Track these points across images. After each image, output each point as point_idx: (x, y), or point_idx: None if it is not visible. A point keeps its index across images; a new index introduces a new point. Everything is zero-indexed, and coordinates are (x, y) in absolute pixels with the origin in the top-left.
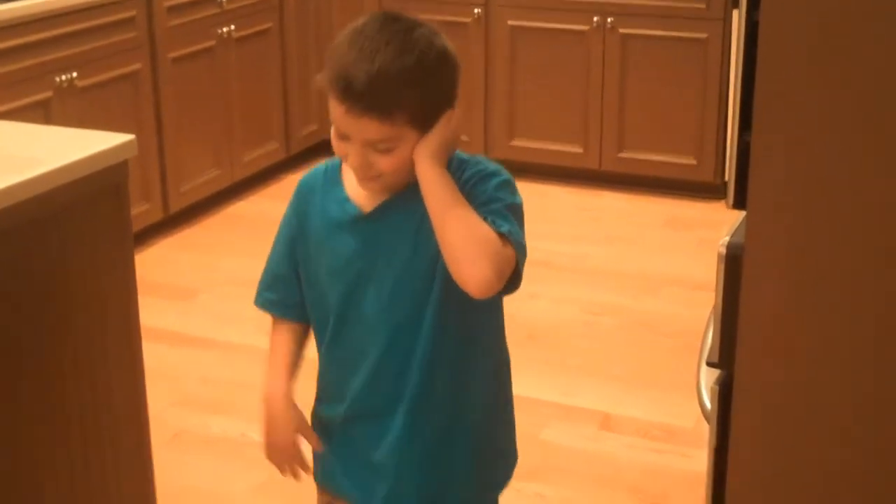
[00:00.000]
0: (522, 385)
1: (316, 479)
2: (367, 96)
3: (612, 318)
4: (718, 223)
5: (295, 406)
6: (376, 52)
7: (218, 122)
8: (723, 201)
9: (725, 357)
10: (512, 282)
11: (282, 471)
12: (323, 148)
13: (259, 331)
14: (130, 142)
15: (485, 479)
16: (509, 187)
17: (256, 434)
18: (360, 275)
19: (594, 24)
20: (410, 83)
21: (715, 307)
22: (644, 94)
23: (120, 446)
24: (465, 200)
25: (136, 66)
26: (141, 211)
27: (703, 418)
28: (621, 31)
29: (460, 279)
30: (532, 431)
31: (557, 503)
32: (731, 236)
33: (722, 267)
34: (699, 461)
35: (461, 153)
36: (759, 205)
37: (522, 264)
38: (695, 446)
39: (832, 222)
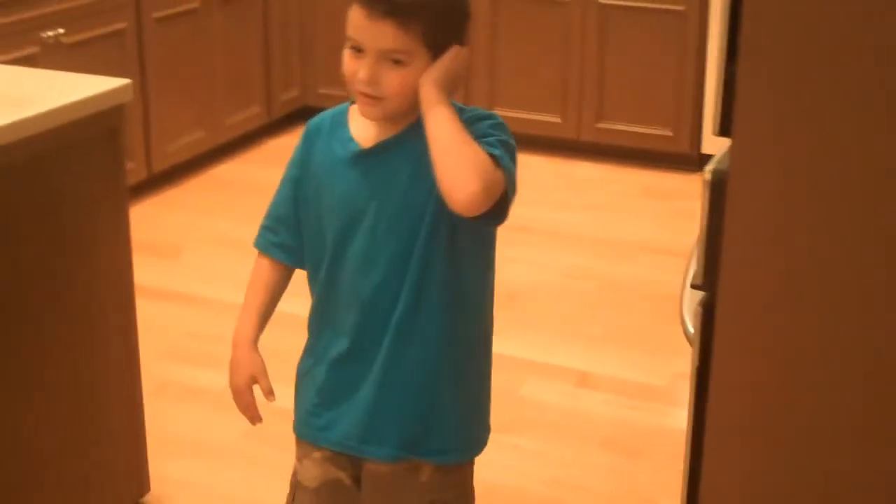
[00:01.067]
0: (502, 344)
1: (295, 431)
2: (390, 1)
3: (589, 281)
4: (694, 194)
5: (256, 351)
6: None
7: (201, 84)
8: (698, 172)
9: (709, 280)
10: (499, 209)
11: (241, 411)
12: (304, 113)
13: (242, 287)
14: (127, 86)
15: (463, 434)
16: (504, 129)
17: None
18: (355, 210)
19: None
20: (432, 2)
21: (700, 233)
22: (623, 66)
23: (112, 394)
24: (461, 123)
25: (121, 25)
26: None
27: (676, 377)
28: (601, 1)
29: (450, 192)
30: (511, 387)
31: (533, 454)
32: (716, 164)
33: (706, 192)
34: (672, 417)
35: (457, 103)
36: (743, 131)
37: (511, 195)
38: (668, 403)
39: (815, 148)
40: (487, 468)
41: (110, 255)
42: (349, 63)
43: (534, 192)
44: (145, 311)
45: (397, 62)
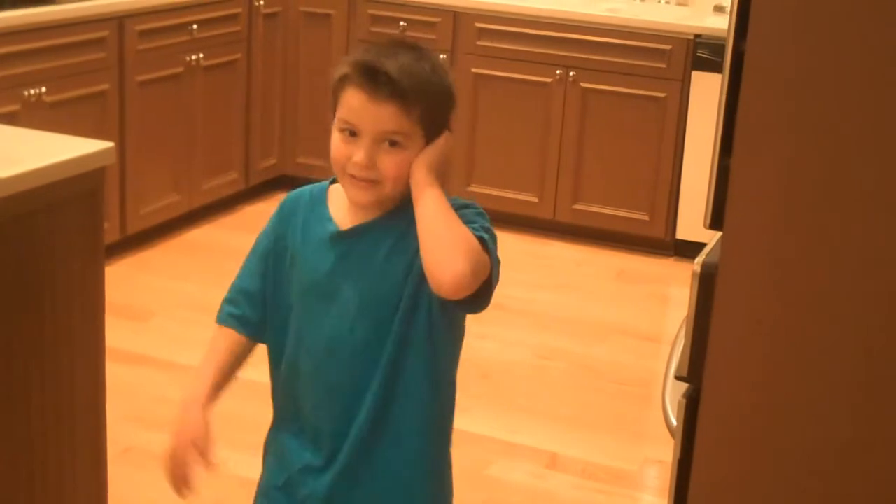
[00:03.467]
0: (471, 422)
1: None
2: (395, 81)
3: (560, 362)
4: (668, 278)
5: (204, 415)
6: (397, 54)
7: (180, 148)
8: (672, 258)
9: (694, 371)
10: (483, 294)
11: (168, 478)
12: (282, 182)
13: None
14: (109, 149)
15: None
16: (486, 218)
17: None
18: (328, 291)
19: (556, 77)
20: (428, 83)
21: (686, 324)
22: (601, 149)
23: (77, 457)
24: (450, 206)
25: (103, 87)
26: None
27: (646, 462)
28: (583, 85)
29: (438, 272)
30: (478, 467)
31: None
32: (706, 256)
33: (695, 284)
34: (642, 503)
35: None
36: (735, 225)
37: (495, 281)
38: (638, 489)
39: (805, 244)
40: None
41: (84, 315)
42: (342, 147)
43: (508, 270)
44: (113, 374)
45: (394, 144)
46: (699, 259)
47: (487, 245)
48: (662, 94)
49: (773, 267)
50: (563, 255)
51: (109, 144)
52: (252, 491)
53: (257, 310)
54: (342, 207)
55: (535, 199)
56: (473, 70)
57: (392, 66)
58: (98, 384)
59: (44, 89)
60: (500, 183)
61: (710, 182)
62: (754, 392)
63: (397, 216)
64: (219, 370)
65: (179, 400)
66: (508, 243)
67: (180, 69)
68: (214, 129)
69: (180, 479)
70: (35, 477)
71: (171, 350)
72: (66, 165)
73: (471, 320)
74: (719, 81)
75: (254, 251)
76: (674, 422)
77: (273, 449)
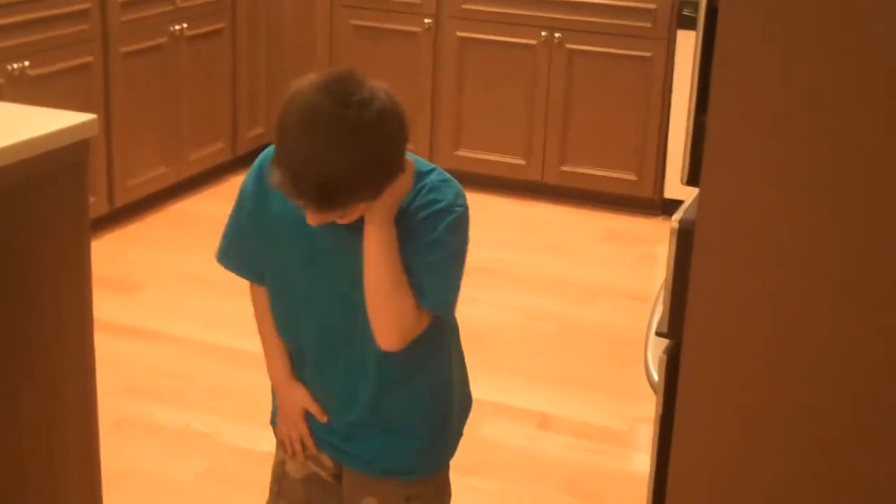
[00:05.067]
0: None
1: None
2: (320, 201)
3: (550, 323)
4: (656, 238)
5: (297, 385)
6: (326, 155)
7: (166, 119)
8: (661, 217)
9: (674, 327)
10: (438, 321)
11: (286, 445)
12: None
13: (202, 324)
14: (92, 121)
15: (436, 453)
16: (459, 226)
17: (201, 425)
18: (314, 264)
19: (542, 39)
20: (363, 183)
21: (666, 280)
22: (588, 110)
23: (69, 429)
24: (399, 266)
25: (87, 59)
26: None
27: (637, 421)
28: (568, 46)
29: (373, 332)
30: (471, 428)
31: (492, 496)
32: (684, 212)
33: (674, 241)
34: (633, 462)
35: (419, 163)
36: (711, 181)
37: (450, 312)
38: (629, 447)
39: (783, 199)
40: None
41: (71, 289)
42: (308, 216)
43: (497, 233)
44: (104, 346)
45: (340, 216)
46: (677, 216)
47: (432, 308)
48: (648, 54)
49: (750, 222)
50: (551, 217)
51: (92, 116)
52: (245, 459)
53: (253, 260)
54: None
55: (523, 162)
56: (458, 34)
57: (316, 184)
58: (87, 357)
59: (27, 63)
60: (487, 146)
61: (686, 139)
62: (734, 346)
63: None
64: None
65: (270, 379)
66: (497, 206)
67: (164, 40)
68: (200, 99)
69: (303, 442)
70: (25, 450)
71: (161, 321)
72: (50, 138)
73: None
74: None
75: (237, 207)
76: (655, 377)
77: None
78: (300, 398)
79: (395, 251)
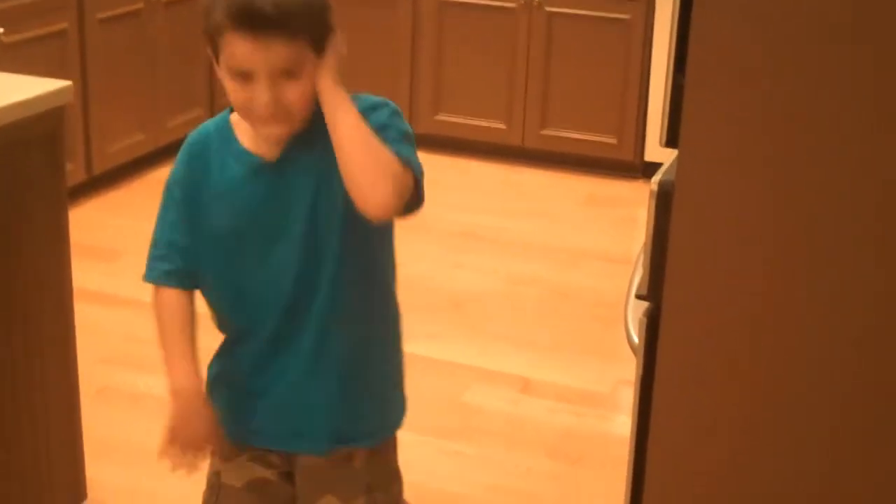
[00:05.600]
0: (446, 350)
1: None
2: (275, 18)
3: (533, 288)
4: (637, 201)
5: (208, 407)
6: None
7: (143, 86)
8: (642, 180)
9: (654, 290)
10: (414, 203)
11: (178, 464)
12: None
13: None
14: (67, 87)
15: (388, 411)
16: (399, 115)
17: None
18: (264, 221)
19: (521, 2)
20: (308, 7)
21: (645, 243)
22: (568, 73)
23: (49, 399)
24: (366, 124)
25: (62, 25)
26: None
27: (619, 384)
28: (548, 9)
29: (361, 201)
30: (454, 394)
31: (476, 461)
32: (663, 174)
33: (653, 203)
34: (616, 424)
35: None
36: (690, 142)
37: (422, 186)
38: (612, 410)
39: (762, 160)
40: (429, 475)
41: (49, 258)
42: (239, 92)
43: (478, 198)
44: (84, 315)
45: (292, 75)
46: (656, 178)
47: (409, 160)
48: (628, 16)
49: (729, 183)
50: (532, 182)
51: (68, 83)
52: None
53: (189, 260)
54: (253, 136)
55: (504, 127)
56: None
57: (270, 2)
58: (67, 326)
59: (2, 30)
60: (467, 111)
61: (664, 100)
62: (712, 308)
63: (315, 131)
64: (188, 341)
65: (171, 387)
66: (478, 171)
67: (140, 5)
68: (177, 65)
69: (188, 465)
70: (7, 421)
71: (142, 289)
72: (24, 106)
73: (443, 249)
74: None
75: (167, 202)
76: (636, 340)
77: (227, 378)
78: (208, 426)
79: (357, 112)
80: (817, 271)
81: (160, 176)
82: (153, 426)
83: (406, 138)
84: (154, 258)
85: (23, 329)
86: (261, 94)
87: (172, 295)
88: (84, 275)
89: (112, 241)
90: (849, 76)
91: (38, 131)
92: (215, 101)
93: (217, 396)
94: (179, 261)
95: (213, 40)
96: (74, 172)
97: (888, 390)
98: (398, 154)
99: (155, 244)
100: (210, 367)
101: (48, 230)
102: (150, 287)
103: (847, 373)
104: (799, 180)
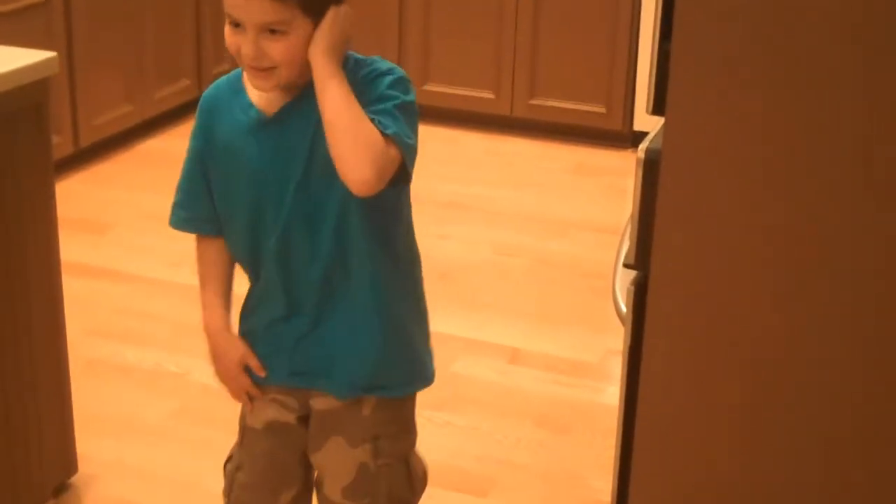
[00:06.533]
0: (434, 322)
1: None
2: None
3: (521, 258)
4: (626, 171)
5: (234, 337)
6: None
7: (130, 57)
8: (630, 149)
9: (641, 259)
10: (400, 179)
11: (233, 396)
12: None
13: (172, 264)
14: (52, 59)
15: (407, 369)
16: (402, 85)
17: (172, 365)
18: (266, 176)
19: None
20: None
21: (632, 212)
22: (556, 42)
23: (38, 373)
24: (354, 99)
25: None
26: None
27: (608, 353)
28: None
29: (343, 177)
30: (442, 364)
31: (466, 431)
32: (650, 142)
33: (639, 171)
34: (604, 394)
35: (357, 54)
36: (676, 110)
37: (411, 163)
38: (600, 380)
39: (748, 128)
40: (419, 445)
41: (36, 231)
42: (230, 38)
43: (466, 168)
44: (72, 288)
45: (276, 32)
46: (643, 146)
47: (396, 137)
48: None
49: (716, 150)
50: (520, 151)
51: (53, 54)
52: (216, 397)
53: (207, 207)
54: (258, 90)
55: (492, 96)
56: None
57: None
58: (56, 300)
59: None
60: (455, 81)
61: (651, 67)
62: (700, 277)
63: (314, 90)
64: (219, 282)
65: (204, 329)
66: (467, 141)
67: None
68: (164, 35)
69: (249, 392)
70: None
71: (130, 262)
72: (8, 77)
73: (431, 220)
74: None
75: (188, 154)
76: (623, 309)
77: (253, 328)
78: (239, 352)
79: (346, 86)
80: (804, 239)
81: (147, 148)
82: (143, 398)
83: (401, 110)
84: (175, 204)
85: (10, 303)
86: (245, 44)
87: (207, 243)
88: (72, 248)
89: (99, 213)
90: (837, 41)
91: (23, 103)
92: (202, 73)
93: (246, 336)
94: (199, 208)
95: None
96: (61, 145)
97: (886, 370)
98: (385, 129)
99: (177, 191)
100: (241, 312)
101: (35, 203)
102: (135, 259)
103: (836, 337)
104: (786, 148)
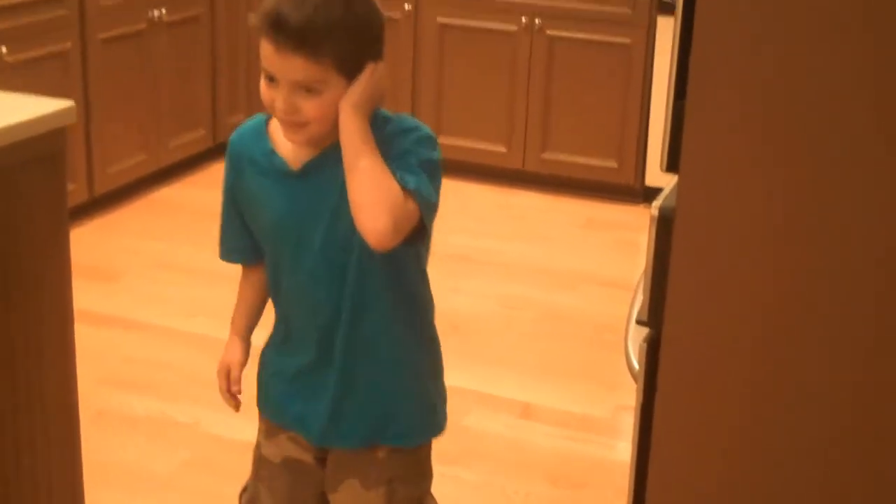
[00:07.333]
0: (445, 375)
1: (263, 411)
2: (297, 34)
3: (531, 312)
4: (636, 225)
5: (240, 341)
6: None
7: (145, 106)
8: (642, 204)
9: (654, 316)
10: (418, 237)
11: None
12: None
13: (184, 313)
14: (70, 108)
15: (420, 421)
16: (428, 142)
17: (178, 414)
18: (287, 227)
19: (522, 25)
20: (339, 27)
21: (646, 268)
22: (568, 97)
23: (49, 423)
24: (377, 153)
25: (65, 45)
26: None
27: (619, 409)
28: (549, 32)
29: (360, 229)
30: (454, 418)
31: (476, 486)
32: (664, 199)
33: (653, 228)
34: (615, 450)
35: (386, 112)
36: (691, 167)
37: (430, 219)
38: (612, 436)
39: (763, 186)
40: None
41: (50, 279)
42: (266, 92)
43: (477, 221)
44: (84, 337)
45: (311, 90)
46: (656, 203)
47: (416, 194)
48: (628, 41)
49: (730, 209)
50: (532, 205)
51: (70, 103)
52: (226, 448)
53: (245, 238)
54: (284, 140)
55: (504, 150)
56: (439, 19)
57: (296, 17)
58: (67, 348)
59: (4, 49)
60: (468, 133)
61: (665, 125)
62: (713, 335)
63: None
64: (247, 298)
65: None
66: (477, 194)
67: (143, 25)
68: (180, 85)
69: (224, 398)
70: (6, 443)
71: (142, 310)
72: (26, 126)
73: (441, 273)
74: None
75: (223, 190)
76: (636, 366)
77: (275, 367)
78: (228, 357)
79: (371, 140)
80: (819, 296)
81: (162, 196)
82: (152, 449)
83: (425, 167)
84: (220, 237)
85: (24, 351)
86: (279, 99)
87: (249, 271)
88: (84, 296)
89: (113, 261)
90: (853, 102)
91: (39, 151)
92: (217, 122)
93: (265, 376)
94: (237, 240)
95: (257, 38)
96: (76, 192)
97: (890, 409)
98: (406, 184)
99: (221, 226)
100: (266, 346)
101: (50, 251)
102: (146, 308)
103: (848, 396)
104: (799, 206)
